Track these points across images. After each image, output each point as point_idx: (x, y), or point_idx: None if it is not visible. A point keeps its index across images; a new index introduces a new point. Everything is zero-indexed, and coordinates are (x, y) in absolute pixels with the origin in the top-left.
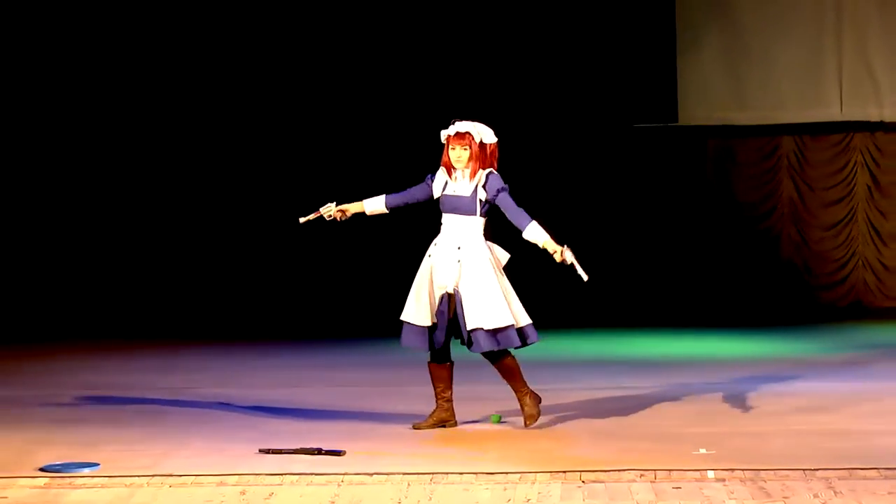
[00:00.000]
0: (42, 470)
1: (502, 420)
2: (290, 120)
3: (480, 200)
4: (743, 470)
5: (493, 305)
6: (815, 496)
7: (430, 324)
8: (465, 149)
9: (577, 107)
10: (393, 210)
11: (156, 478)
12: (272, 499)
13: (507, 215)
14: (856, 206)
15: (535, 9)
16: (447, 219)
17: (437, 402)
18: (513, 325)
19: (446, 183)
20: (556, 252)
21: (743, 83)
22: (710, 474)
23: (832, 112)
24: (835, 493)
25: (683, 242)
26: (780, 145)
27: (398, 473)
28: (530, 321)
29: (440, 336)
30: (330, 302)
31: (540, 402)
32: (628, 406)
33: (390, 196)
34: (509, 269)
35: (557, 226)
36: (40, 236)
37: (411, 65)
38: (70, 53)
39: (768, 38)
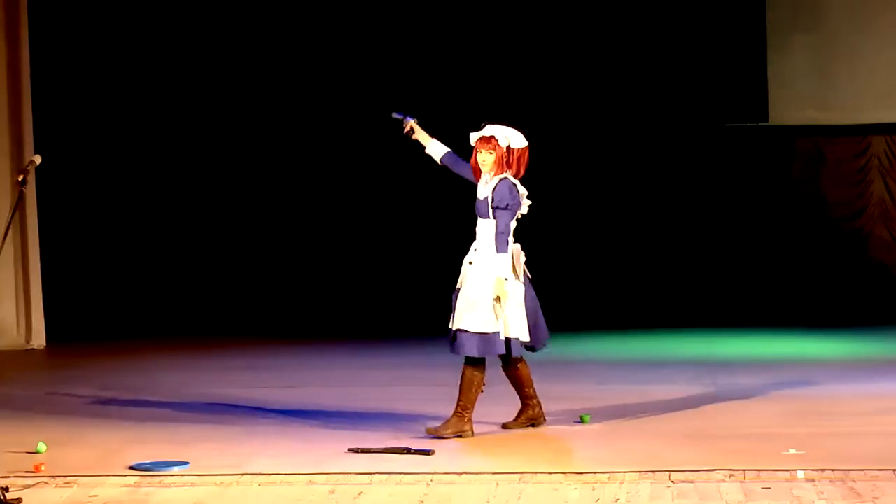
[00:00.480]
0: (132, 468)
1: (591, 420)
2: (337, 122)
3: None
4: (833, 470)
5: (479, 311)
6: None
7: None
8: (490, 153)
9: (666, 106)
10: (442, 167)
11: (245, 476)
12: (361, 498)
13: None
14: None
15: (626, 8)
16: (477, 222)
17: (521, 401)
18: (496, 333)
19: (477, 186)
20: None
21: (833, 82)
22: (800, 475)
23: None
24: None
25: (771, 242)
26: (871, 144)
27: (487, 473)
28: (526, 337)
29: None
30: (421, 300)
31: (456, 436)
32: (718, 406)
33: (449, 154)
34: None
35: (645, 225)
36: (137, 233)
37: (480, 63)
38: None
39: (858, 36)
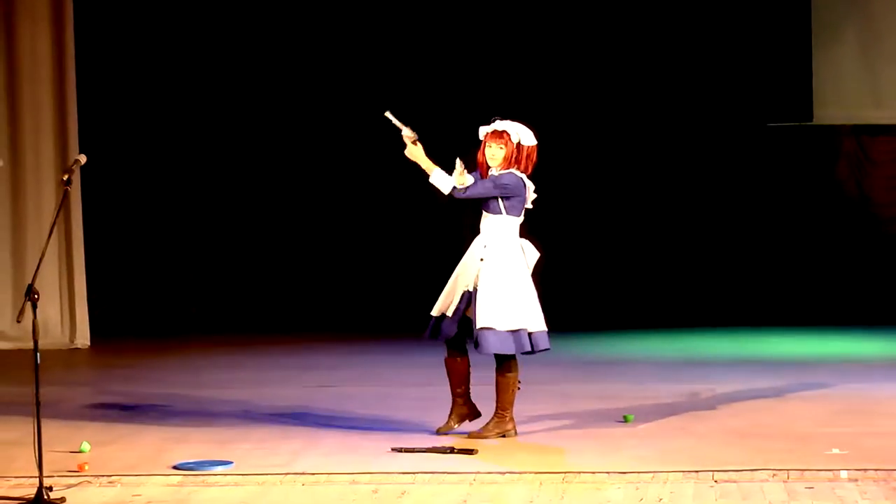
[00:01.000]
0: (175, 468)
1: (634, 419)
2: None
3: (500, 198)
4: (876, 470)
5: (506, 307)
6: None
7: (438, 314)
8: (501, 148)
9: (711, 105)
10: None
11: (289, 476)
12: (404, 497)
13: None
14: None
15: (671, 6)
16: (482, 217)
17: (452, 398)
18: (524, 330)
19: None
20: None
21: (879, 81)
22: (843, 474)
23: None
24: None
25: (815, 242)
26: None
27: (530, 472)
28: (544, 328)
29: (449, 327)
30: None
31: (500, 436)
32: (761, 406)
33: (458, 192)
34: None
35: (688, 224)
36: (181, 231)
37: (509, 56)
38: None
39: None
